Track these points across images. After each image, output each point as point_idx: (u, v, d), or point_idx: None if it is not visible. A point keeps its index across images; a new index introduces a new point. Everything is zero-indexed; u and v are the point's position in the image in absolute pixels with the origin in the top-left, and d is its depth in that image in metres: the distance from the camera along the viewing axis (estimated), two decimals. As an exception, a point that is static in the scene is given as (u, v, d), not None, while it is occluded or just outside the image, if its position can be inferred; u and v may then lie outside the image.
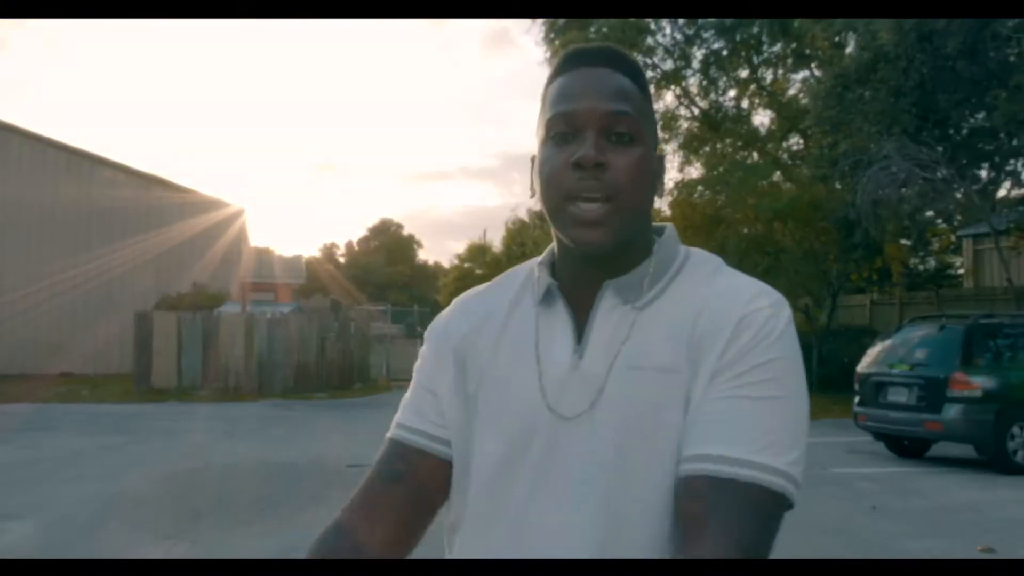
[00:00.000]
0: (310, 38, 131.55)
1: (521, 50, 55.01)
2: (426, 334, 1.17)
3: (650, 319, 1.00)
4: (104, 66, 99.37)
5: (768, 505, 0.91)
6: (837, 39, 14.80)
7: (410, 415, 1.12)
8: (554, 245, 1.08)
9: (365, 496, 1.09)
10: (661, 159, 1.06)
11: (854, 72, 12.53)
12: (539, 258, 1.12)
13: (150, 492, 7.82)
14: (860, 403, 9.95)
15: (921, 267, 21.51)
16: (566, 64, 1.04)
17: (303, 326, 17.63)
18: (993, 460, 8.75)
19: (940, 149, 11.82)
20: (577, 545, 0.96)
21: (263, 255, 29.94)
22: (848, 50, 14.45)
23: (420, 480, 1.08)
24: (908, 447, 9.86)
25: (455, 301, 1.18)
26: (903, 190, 11.62)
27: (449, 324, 1.14)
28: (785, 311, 0.99)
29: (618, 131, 0.98)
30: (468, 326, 1.11)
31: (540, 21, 19.53)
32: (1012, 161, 13.46)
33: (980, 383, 8.71)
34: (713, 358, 0.94)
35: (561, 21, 18.96)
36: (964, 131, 13.26)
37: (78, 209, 21.76)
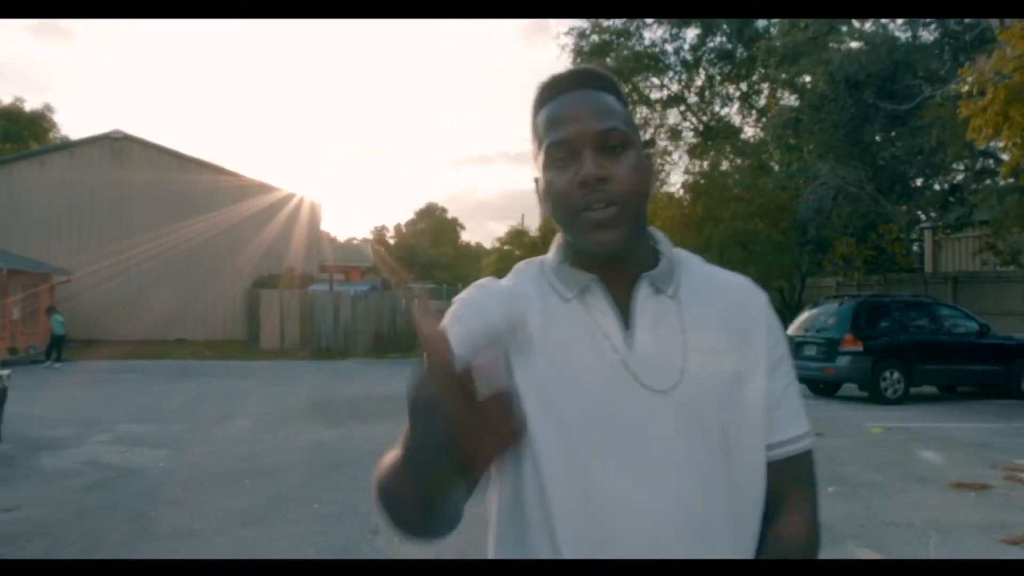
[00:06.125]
0: (357, 33, 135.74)
1: (559, 40, 58.04)
2: (451, 320, 1.11)
3: (690, 306, 1.10)
4: (166, 64, 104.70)
5: (813, 457, 1.14)
6: (797, 80, 18.37)
7: None
8: (561, 250, 1.14)
9: None
10: (650, 157, 1.13)
11: (807, 107, 16.25)
12: (543, 259, 1.17)
13: (305, 408, 12.01)
14: (788, 356, 13.81)
15: (905, 252, 24.93)
16: (548, 93, 1.12)
17: (379, 301, 21.94)
18: (871, 395, 12.60)
19: (864, 172, 15.47)
20: (680, 526, 1.01)
21: (332, 241, 34.10)
22: (793, 94, 18.21)
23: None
24: (823, 388, 13.64)
25: (472, 293, 1.16)
26: (836, 201, 15.36)
27: (477, 315, 1.10)
28: None
29: (611, 144, 1.05)
30: (500, 316, 1.09)
31: (568, 48, 23.30)
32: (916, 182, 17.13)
33: (862, 342, 12.55)
34: (764, 349, 1.10)
35: (587, 49, 22.65)
36: (883, 158, 16.72)
37: (183, 203, 25.80)
